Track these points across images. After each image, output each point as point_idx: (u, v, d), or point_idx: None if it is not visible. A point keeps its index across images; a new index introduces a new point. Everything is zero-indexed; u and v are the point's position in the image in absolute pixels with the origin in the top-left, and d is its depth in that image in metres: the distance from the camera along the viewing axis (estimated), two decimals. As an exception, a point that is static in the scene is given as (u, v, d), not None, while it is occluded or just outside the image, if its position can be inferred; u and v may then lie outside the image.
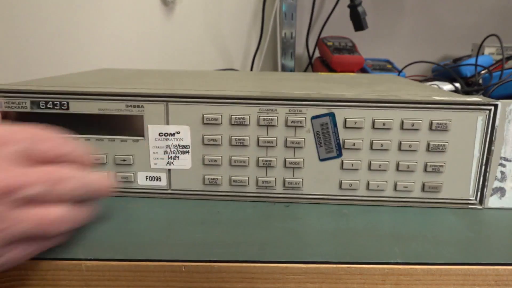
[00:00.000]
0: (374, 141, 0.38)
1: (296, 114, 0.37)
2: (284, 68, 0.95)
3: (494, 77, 0.70)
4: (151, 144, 0.39)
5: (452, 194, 0.39)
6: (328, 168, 0.39)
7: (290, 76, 0.60)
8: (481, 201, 0.39)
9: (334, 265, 0.30)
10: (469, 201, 0.39)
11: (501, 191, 0.39)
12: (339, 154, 0.38)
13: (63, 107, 0.38)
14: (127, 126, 0.38)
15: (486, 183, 0.38)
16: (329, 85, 0.48)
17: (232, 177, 0.39)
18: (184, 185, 0.40)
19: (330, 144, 0.38)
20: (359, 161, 0.38)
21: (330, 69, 0.83)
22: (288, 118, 0.38)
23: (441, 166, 0.38)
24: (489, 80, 0.70)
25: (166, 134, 0.39)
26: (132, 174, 0.39)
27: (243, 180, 0.39)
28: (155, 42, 0.98)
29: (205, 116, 0.38)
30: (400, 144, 0.38)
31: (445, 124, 0.37)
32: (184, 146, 0.39)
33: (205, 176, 0.39)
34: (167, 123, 0.38)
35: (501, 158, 0.38)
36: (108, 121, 0.38)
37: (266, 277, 0.30)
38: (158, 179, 0.40)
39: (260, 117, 0.38)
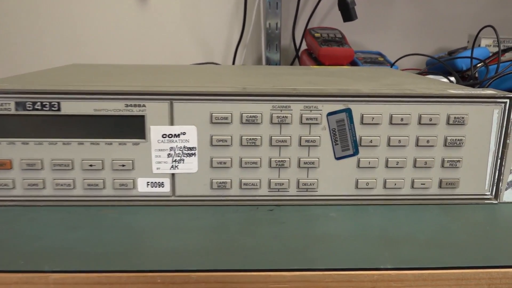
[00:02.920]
0: (391, 137, 0.40)
1: (311, 110, 0.39)
2: (268, 62, 0.96)
3: (491, 71, 0.75)
4: (154, 146, 0.39)
5: (468, 189, 0.42)
6: (344, 167, 0.41)
7: (280, 71, 0.62)
8: (496, 196, 0.43)
9: (321, 272, 0.31)
10: (485, 196, 0.42)
11: (515, 184, 0.43)
12: (356, 152, 0.41)
13: (53, 108, 0.38)
14: (127, 127, 0.39)
15: (501, 177, 0.42)
16: (334, 79, 0.50)
17: (242, 180, 0.40)
18: (189, 191, 0.40)
19: (347, 141, 0.40)
20: (376, 159, 0.41)
21: (318, 62, 0.85)
22: (303, 115, 0.39)
23: (458, 161, 0.41)
24: (485, 73, 0.75)
25: (170, 136, 0.39)
26: (132, 181, 0.40)
27: (254, 182, 0.40)
28: (128, 35, 0.97)
29: (214, 114, 0.39)
30: (417, 139, 0.40)
31: (462, 118, 0.40)
32: (190, 148, 0.40)
33: (213, 180, 0.40)
34: (172, 124, 0.39)
35: (514, 151, 0.42)
36: (105, 122, 0.38)
37: (248, 287, 0.31)
38: (161, 185, 0.40)
39: (273, 114, 0.39)
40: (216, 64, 1.01)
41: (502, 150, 0.41)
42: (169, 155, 0.40)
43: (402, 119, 0.40)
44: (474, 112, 0.40)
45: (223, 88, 0.40)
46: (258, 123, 0.39)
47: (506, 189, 0.42)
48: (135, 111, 0.38)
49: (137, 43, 1.01)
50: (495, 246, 0.35)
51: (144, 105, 0.38)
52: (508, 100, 0.40)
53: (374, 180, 0.41)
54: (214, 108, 0.39)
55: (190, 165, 0.40)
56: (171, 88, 0.40)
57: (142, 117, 0.39)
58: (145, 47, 1.01)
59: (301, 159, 0.40)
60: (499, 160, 0.42)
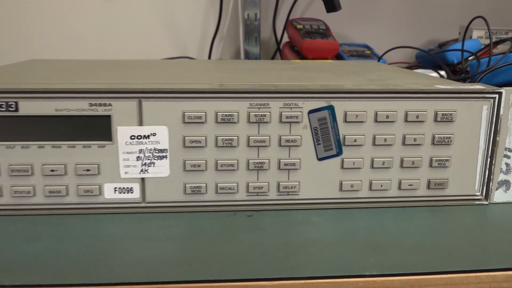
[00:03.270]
0: (376, 136, 0.41)
1: (291, 108, 0.40)
2: (247, 55, 0.97)
3: (482, 64, 0.77)
4: (121, 149, 0.39)
5: (457, 190, 0.44)
6: (327, 168, 0.42)
7: (259, 65, 0.62)
8: (486, 196, 0.44)
9: (303, 281, 0.32)
10: (475, 197, 0.44)
11: (506, 184, 0.44)
12: (339, 152, 0.41)
13: (10, 109, 0.38)
14: (91, 129, 0.39)
15: (491, 176, 0.43)
16: (316, 74, 0.51)
17: (218, 184, 0.41)
18: (161, 197, 0.41)
19: (329, 141, 0.41)
20: (361, 159, 0.42)
21: (301, 55, 0.86)
22: (283, 113, 0.40)
23: (447, 160, 0.42)
24: (476, 67, 0.77)
25: (139, 137, 0.39)
26: (98, 187, 0.40)
27: (231, 186, 0.41)
28: (93, 27, 0.96)
29: (186, 113, 0.39)
30: (404, 138, 0.42)
31: (450, 114, 0.41)
32: (161, 150, 0.40)
33: (187, 184, 0.41)
34: (141, 124, 0.39)
35: (505, 149, 0.43)
36: (67, 123, 0.38)
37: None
38: (130, 190, 0.40)
39: (250, 113, 0.40)
40: (191, 58, 1.01)
41: (492, 148, 0.43)
42: (138, 158, 0.40)
43: (387, 117, 0.41)
44: (462, 108, 0.42)
45: (196, 85, 0.40)
46: (234, 123, 0.40)
47: (496, 189, 0.44)
48: (101, 111, 0.39)
49: (103, 37, 1.00)
50: (484, 249, 0.36)
51: (110, 104, 0.39)
52: (497, 96, 0.42)
53: (359, 181, 0.42)
54: (187, 106, 0.39)
55: (161, 168, 0.40)
56: (140, 85, 0.40)
57: (108, 117, 0.39)
58: (112, 40, 1.01)
59: (281, 160, 0.41)
60: (489, 159, 0.43)
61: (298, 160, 0.41)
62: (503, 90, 0.42)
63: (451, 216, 0.42)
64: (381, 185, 0.42)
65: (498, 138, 0.43)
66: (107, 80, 0.44)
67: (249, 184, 0.41)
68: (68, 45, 1.00)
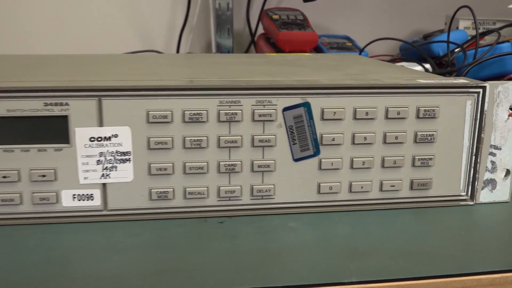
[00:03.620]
0: (356, 134, 0.42)
1: (264, 106, 0.41)
2: (219, 49, 0.98)
3: (469, 56, 0.79)
4: (80, 152, 0.40)
5: (442, 190, 0.45)
6: (304, 170, 0.43)
7: (232, 59, 0.63)
8: (472, 196, 0.46)
9: None
10: (460, 197, 0.45)
11: (492, 183, 0.46)
12: (317, 152, 0.42)
13: (-45, 109, 0.37)
14: (47, 130, 0.39)
15: (477, 175, 0.45)
16: (291, 68, 0.52)
17: (187, 189, 0.41)
18: (124, 203, 0.41)
19: (306, 140, 0.42)
20: (340, 159, 0.43)
21: (277, 48, 0.87)
22: (255, 111, 0.41)
23: (430, 159, 0.44)
24: (462, 60, 0.79)
25: (99, 139, 0.40)
26: (55, 194, 0.40)
27: (201, 191, 0.41)
28: (49, 19, 0.95)
29: (151, 113, 0.39)
30: (385, 136, 0.43)
31: (433, 110, 0.43)
32: (124, 153, 0.40)
33: (152, 190, 0.41)
34: (101, 125, 0.39)
35: (491, 146, 0.45)
36: (20, 125, 0.38)
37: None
38: (90, 197, 0.41)
39: (220, 111, 0.40)
40: (157, 52, 1.01)
41: (476, 146, 0.44)
42: (98, 162, 0.40)
43: (367, 113, 0.42)
44: (445, 104, 0.43)
45: (162, 82, 0.41)
46: (203, 122, 0.40)
47: (482, 189, 0.46)
48: (57, 111, 0.39)
49: (61, 29, 0.99)
50: (469, 252, 0.37)
51: (67, 104, 0.39)
52: (481, 90, 0.43)
53: (338, 183, 0.43)
54: (152, 105, 0.40)
55: (124, 173, 0.41)
56: (100, 82, 0.40)
57: (65, 117, 0.39)
58: (70, 33, 1.00)
59: (254, 162, 0.42)
60: (473, 157, 0.45)
61: (273, 161, 0.42)
62: (487, 84, 0.43)
63: (435, 218, 0.43)
64: (362, 187, 0.44)
65: (483, 134, 0.44)
66: (64, 77, 0.44)
67: (220, 188, 0.42)
68: (22, 39, 0.99)
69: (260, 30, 1.04)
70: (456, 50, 0.91)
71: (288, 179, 0.43)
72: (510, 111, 0.44)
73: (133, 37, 1.04)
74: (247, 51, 1.07)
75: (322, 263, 0.35)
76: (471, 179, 0.45)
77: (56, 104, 0.38)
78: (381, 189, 0.44)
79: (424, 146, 0.44)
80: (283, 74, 0.47)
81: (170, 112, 0.40)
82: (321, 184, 0.43)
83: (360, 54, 0.94)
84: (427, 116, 0.43)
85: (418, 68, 0.86)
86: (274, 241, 0.38)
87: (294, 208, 0.43)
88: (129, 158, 0.40)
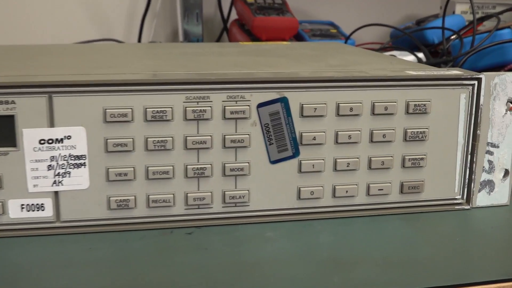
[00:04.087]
0: (339, 133, 0.43)
1: (236, 102, 0.41)
2: (187, 37, 0.97)
3: (466, 44, 0.81)
4: (28, 156, 0.39)
5: (435, 193, 0.46)
6: (282, 173, 0.43)
7: (201, 49, 0.63)
8: (468, 200, 0.47)
9: None
10: (455, 201, 0.47)
11: (490, 185, 0.47)
12: (296, 153, 0.43)
13: None
14: (-11, 132, 0.39)
15: (473, 176, 0.46)
16: (267, 59, 0.53)
17: (150, 196, 0.42)
18: (79, 214, 0.41)
19: (284, 140, 0.42)
20: (322, 160, 0.43)
21: (252, 36, 0.88)
22: (226, 107, 0.41)
23: (422, 159, 0.45)
24: (459, 48, 0.81)
25: (50, 141, 0.40)
26: (0, 204, 0.40)
27: (166, 198, 0.42)
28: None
29: (108, 111, 0.40)
30: (371, 134, 0.43)
31: (424, 105, 0.44)
32: (78, 157, 0.40)
33: (111, 198, 0.41)
34: (52, 125, 0.39)
35: (488, 144, 0.46)
36: (-43, 126, 0.38)
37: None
38: (40, 207, 0.40)
39: (187, 108, 0.40)
40: (116, 41, 1.01)
41: (472, 144, 0.46)
42: (50, 168, 0.40)
43: (351, 109, 0.43)
44: (437, 98, 0.44)
45: (121, 75, 0.41)
46: (168, 120, 0.41)
47: (479, 191, 0.47)
48: (1, 110, 0.38)
49: (7, 17, 0.98)
50: (464, 261, 0.38)
51: (13, 102, 0.38)
52: (476, 82, 0.44)
53: (320, 187, 0.44)
54: (109, 102, 0.40)
55: (79, 179, 0.41)
56: (50, 77, 0.40)
57: (11, 117, 0.39)
58: (17, 21, 0.99)
59: (226, 165, 0.42)
60: (469, 156, 0.46)
61: (247, 164, 0.42)
62: (482, 75, 0.44)
63: (427, 224, 0.44)
64: (347, 191, 0.44)
65: (478, 131, 0.45)
66: (9, 71, 0.44)
67: (188, 195, 0.42)
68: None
69: (234, 15, 1.04)
70: (452, 37, 0.92)
71: (265, 183, 0.43)
72: (511, 105, 0.46)
73: (87, 24, 1.03)
74: (218, 39, 1.07)
75: (303, 276, 0.36)
76: (466, 180, 0.46)
77: (0, 103, 0.38)
78: (368, 193, 0.45)
79: (415, 144, 0.45)
80: (258, 66, 0.48)
81: (130, 109, 0.40)
82: (302, 189, 0.44)
83: (345, 42, 0.95)
84: (417, 111, 0.44)
85: (410, 57, 0.87)
86: (249, 254, 0.39)
87: (272, 216, 0.44)
88: (84, 163, 0.40)
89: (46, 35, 1.01)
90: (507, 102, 0.45)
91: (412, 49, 0.91)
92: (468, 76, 0.44)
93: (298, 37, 0.95)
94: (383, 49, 0.94)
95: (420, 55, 0.89)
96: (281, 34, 0.85)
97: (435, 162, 0.45)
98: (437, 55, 0.97)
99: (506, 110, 0.45)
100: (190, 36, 0.98)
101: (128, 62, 0.52)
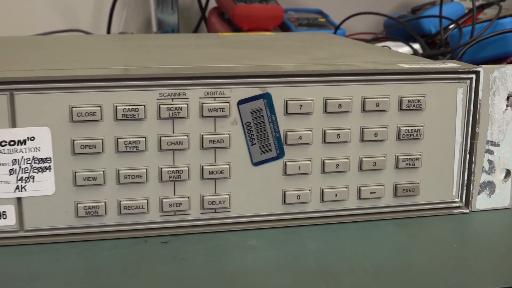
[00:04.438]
0: (327, 131, 0.43)
1: (215, 98, 0.41)
2: (161, 27, 0.97)
3: (465, 34, 0.82)
4: (-13, 160, 0.40)
5: (431, 196, 0.47)
6: (266, 176, 0.43)
7: (176, 41, 0.64)
8: (467, 203, 0.47)
9: None
10: (453, 204, 0.47)
11: (490, 186, 0.48)
12: (281, 154, 0.43)
13: None
14: None
15: (472, 177, 0.47)
16: (249, 52, 0.53)
17: (121, 202, 0.42)
18: (44, 222, 0.41)
19: (267, 139, 0.43)
20: (309, 161, 0.44)
21: (233, 26, 0.88)
22: (204, 105, 0.41)
23: (417, 159, 0.45)
24: (458, 38, 0.81)
25: (12, 143, 0.40)
26: (-44, 212, 0.40)
27: (139, 204, 0.42)
28: None
29: (75, 109, 0.40)
30: (362, 132, 0.44)
31: (418, 101, 0.44)
32: (43, 160, 0.40)
33: (79, 204, 0.41)
34: (13, 125, 0.39)
35: (487, 142, 0.47)
36: None
37: None
38: (2, 215, 0.40)
39: (161, 106, 0.41)
40: (82, 32, 1.01)
41: (470, 142, 0.46)
42: (11, 172, 0.40)
43: (340, 106, 0.43)
44: (433, 93, 0.45)
45: (88, 70, 0.41)
46: (140, 119, 0.41)
47: (479, 193, 0.47)
48: (-44, 109, 0.39)
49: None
50: (462, 269, 0.39)
51: (-31, 100, 0.39)
52: (474, 76, 0.45)
53: (307, 191, 0.44)
54: (76, 99, 0.40)
55: (44, 184, 0.41)
56: (10, 72, 0.40)
57: (-33, 117, 0.39)
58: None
59: (204, 167, 0.42)
60: (468, 155, 0.46)
61: (227, 166, 0.43)
62: (481, 68, 0.45)
63: (423, 229, 0.45)
64: (336, 195, 0.45)
65: (477, 129, 0.46)
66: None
67: (163, 200, 0.42)
68: None
69: (213, 3, 1.05)
70: (450, 26, 0.93)
71: (247, 187, 0.43)
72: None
73: (51, 13, 1.03)
74: (196, 30, 1.07)
75: (289, 287, 0.36)
76: (465, 182, 0.47)
77: (-45, 101, 0.39)
78: (359, 197, 0.45)
79: (409, 143, 0.45)
80: (239, 59, 0.48)
81: (99, 108, 0.40)
82: (287, 193, 0.44)
83: (335, 32, 0.96)
84: (411, 107, 0.44)
85: (405, 49, 0.88)
86: (231, 264, 0.39)
87: (255, 222, 0.44)
88: (50, 166, 0.40)
89: (4, 26, 1.01)
90: (508, 97, 0.46)
91: (407, 40, 0.91)
92: (466, 69, 0.45)
93: (283, 27, 0.96)
94: (376, 39, 0.95)
95: (416, 46, 0.90)
96: (264, 24, 0.86)
97: (431, 162, 0.46)
98: (435, 46, 0.98)
99: (507, 106, 0.46)
100: (165, 27, 0.98)
101: (97, 55, 0.52)
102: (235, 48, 0.56)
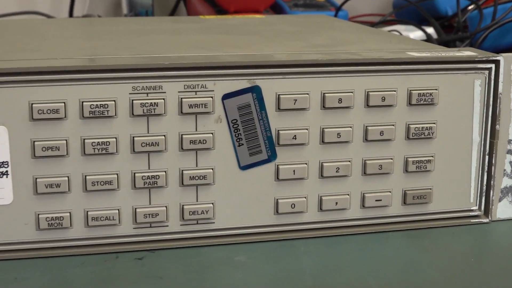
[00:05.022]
0: (326, 130, 0.44)
1: (196, 92, 0.42)
2: (133, 9, 0.97)
3: (486, 16, 0.82)
4: None
5: (445, 204, 0.47)
6: (255, 181, 0.44)
7: (151, 26, 0.64)
8: (486, 211, 0.48)
9: None
10: (471, 213, 0.48)
11: (514, 192, 0.49)
12: (272, 156, 0.44)
13: None
14: None
15: (492, 182, 0.47)
16: (236, 38, 0.54)
17: (89, 212, 0.42)
18: (1, 235, 0.41)
19: (256, 139, 0.43)
20: (305, 165, 0.44)
21: (218, 8, 0.88)
22: (184, 100, 0.42)
23: (429, 161, 0.46)
24: (478, 22, 0.82)
25: (-39, 145, 0.40)
26: None
27: (109, 215, 0.42)
28: None
29: (35, 106, 0.40)
30: (366, 131, 0.45)
31: (430, 94, 0.45)
32: (-2, 164, 0.41)
33: (41, 215, 0.41)
34: (-37, 124, 0.40)
35: (509, 142, 0.47)
36: None
37: None
38: (-50, 228, 0.41)
39: (134, 101, 0.41)
40: (41, 15, 1.01)
41: (490, 142, 0.47)
42: (-39, 178, 0.41)
43: (340, 100, 0.44)
44: (446, 85, 0.45)
45: (50, 61, 0.41)
46: (110, 117, 0.41)
47: (500, 200, 0.48)
48: None
49: None
50: (481, 287, 0.39)
51: None
52: (493, 66, 0.46)
53: (303, 199, 0.45)
54: (36, 95, 0.40)
55: (0, 192, 0.41)
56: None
57: None
58: None
59: (184, 172, 0.43)
60: (487, 157, 0.47)
61: (211, 170, 0.43)
62: (500, 57, 0.46)
63: (436, 242, 0.45)
64: (336, 203, 0.45)
65: (497, 126, 0.47)
66: None
67: (137, 210, 0.43)
68: None
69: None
70: (469, 7, 0.94)
71: (233, 195, 0.44)
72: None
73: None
74: (173, 12, 1.07)
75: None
76: (484, 187, 0.48)
77: None
78: (362, 205, 0.46)
79: (420, 143, 0.46)
80: (224, 47, 0.48)
81: (62, 104, 0.40)
82: (280, 201, 0.44)
83: (336, 15, 0.96)
84: (422, 102, 0.45)
85: (417, 33, 0.88)
86: (216, 283, 0.39)
87: (243, 235, 0.45)
88: (7, 171, 0.41)
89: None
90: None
91: (420, 23, 0.92)
92: (484, 58, 0.45)
93: (276, 9, 0.96)
94: (384, 22, 0.95)
95: (430, 30, 0.90)
96: (253, 5, 0.86)
97: (445, 165, 0.47)
98: (451, 30, 0.98)
99: (531, 100, 0.47)
100: (137, 8, 0.98)
101: (58, 43, 0.52)
102: (220, 34, 0.56)
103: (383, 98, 0.44)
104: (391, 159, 0.45)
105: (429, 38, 0.86)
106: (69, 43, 0.51)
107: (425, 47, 0.49)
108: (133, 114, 0.41)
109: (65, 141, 0.41)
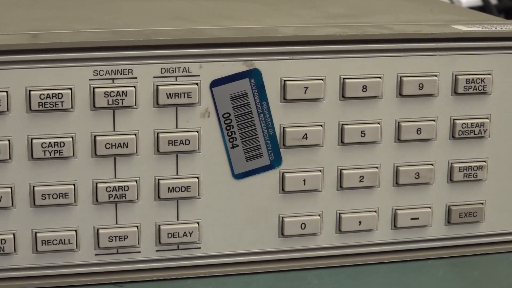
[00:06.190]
0: (346, 127, 0.45)
1: (176, 78, 0.43)
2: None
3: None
4: None
5: (501, 224, 0.48)
6: (254, 193, 0.45)
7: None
8: (556, 233, 0.49)
9: None
10: (535, 236, 0.49)
11: None
12: (276, 161, 0.45)
13: None
14: None
15: None
16: (228, 6, 0.54)
17: (39, 234, 0.43)
18: None
19: (256, 139, 0.44)
20: (319, 172, 0.45)
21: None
22: (160, 88, 0.43)
23: (480, 167, 0.47)
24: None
25: None
26: None
27: (65, 237, 0.43)
28: None
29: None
30: (398, 127, 0.46)
31: (482, 80, 0.46)
32: None
33: (-26, 238, 0.43)
34: None
35: None
36: None
37: None
38: None
39: (96, 89, 0.42)
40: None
41: (560, 142, 0.48)
42: None
43: (365, 88, 0.45)
44: (503, 69, 0.46)
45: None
46: (65, 110, 0.42)
47: None
48: None
49: None
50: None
51: None
52: None
53: (317, 217, 0.46)
54: (-32, 81, 0.41)
55: None
56: None
57: None
58: None
59: (161, 181, 0.44)
60: (556, 162, 0.48)
61: (195, 179, 0.44)
62: None
63: (488, 273, 0.47)
64: (360, 222, 0.46)
65: None
66: None
67: (100, 231, 0.44)
68: None
69: None
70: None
71: (225, 211, 0.45)
72: None
73: None
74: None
75: None
76: (552, 202, 0.49)
77: None
78: (394, 225, 0.47)
79: (469, 144, 0.47)
80: (212, 18, 0.49)
81: (4, 93, 0.41)
82: (286, 220, 0.45)
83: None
84: (471, 91, 0.46)
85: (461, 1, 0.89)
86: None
87: (237, 264, 0.46)
88: None
89: None
90: None
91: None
92: (553, 33, 0.47)
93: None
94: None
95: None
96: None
97: (500, 173, 0.48)
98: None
99: None
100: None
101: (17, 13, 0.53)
102: (207, 0, 0.57)
103: (420, 86, 0.45)
104: (431, 164, 0.46)
105: (486, 5, 0.87)
106: (6, 14, 0.52)
107: (477, 19, 0.49)
108: (94, 106, 0.42)
109: (7, 142, 0.41)
